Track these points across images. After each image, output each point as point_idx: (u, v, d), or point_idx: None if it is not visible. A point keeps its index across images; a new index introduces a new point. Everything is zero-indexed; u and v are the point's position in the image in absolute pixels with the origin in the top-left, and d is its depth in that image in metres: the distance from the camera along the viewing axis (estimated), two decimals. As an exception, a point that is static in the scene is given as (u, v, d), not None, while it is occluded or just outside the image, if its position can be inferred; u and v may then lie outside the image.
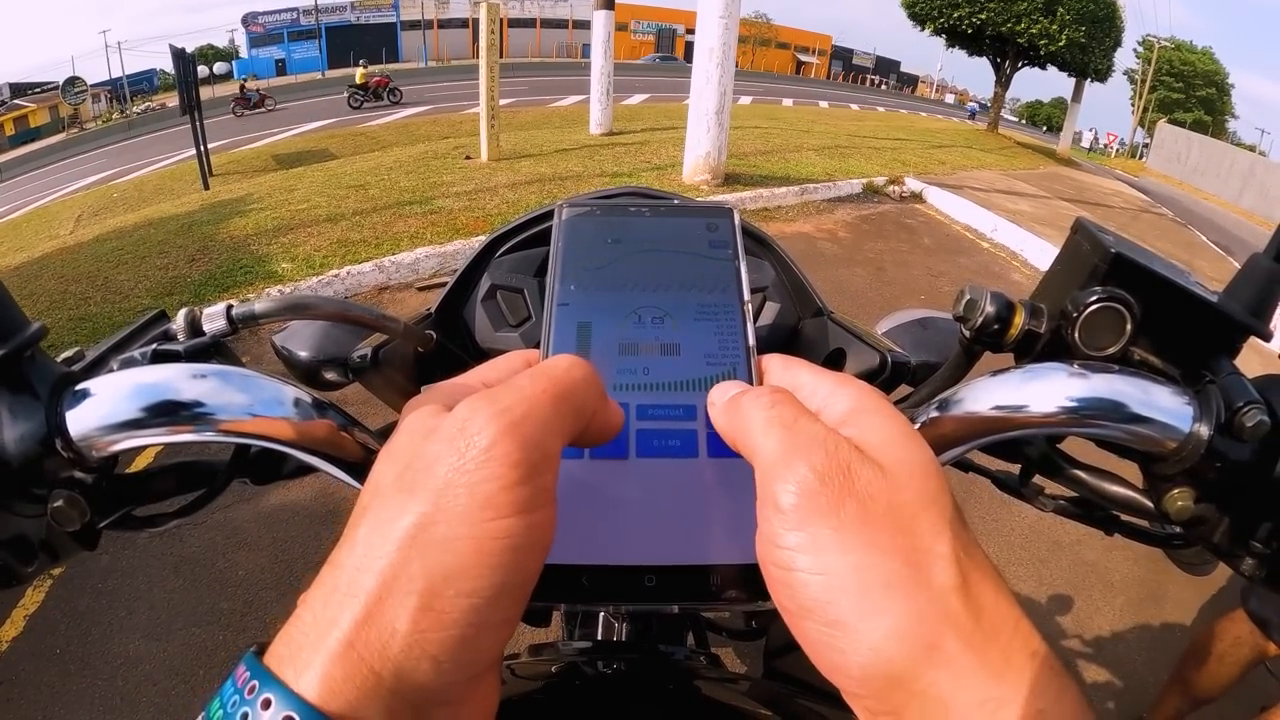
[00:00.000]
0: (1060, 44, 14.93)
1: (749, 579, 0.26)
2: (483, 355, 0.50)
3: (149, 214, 6.57)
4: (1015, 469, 0.43)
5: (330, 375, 0.50)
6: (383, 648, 0.20)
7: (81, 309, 3.72)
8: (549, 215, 0.45)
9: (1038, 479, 0.42)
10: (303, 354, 0.50)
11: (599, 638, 0.49)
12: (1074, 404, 0.32)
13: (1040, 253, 5.84)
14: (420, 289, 4.03)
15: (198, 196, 7.24)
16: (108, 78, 39.70)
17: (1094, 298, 0.33)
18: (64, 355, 0.36)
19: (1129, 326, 0.33)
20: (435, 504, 0.21)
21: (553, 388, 0.24)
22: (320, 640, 0.20)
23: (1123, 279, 0.33)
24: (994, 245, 6.20)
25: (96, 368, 0.35)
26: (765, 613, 0.25)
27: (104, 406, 0.31)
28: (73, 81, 33.16)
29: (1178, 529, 0.34)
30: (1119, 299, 0.33)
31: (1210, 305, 0.33)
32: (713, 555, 0.27)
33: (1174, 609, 2.27)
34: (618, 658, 0.42)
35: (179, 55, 8.00)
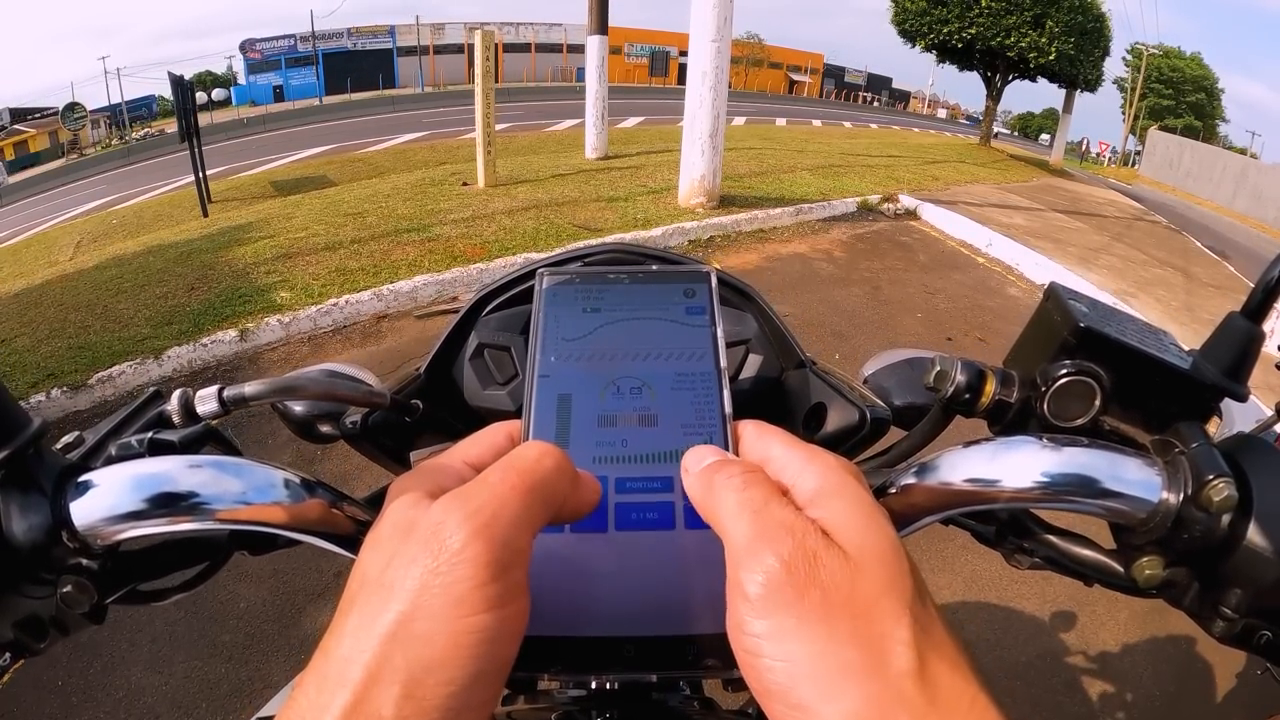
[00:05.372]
0: (1050, 56, 14.99)
1: (725, 649, 0.26)
2: (472, 412, 0.51)
3: (148, 241, 6.58)
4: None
5: (324, 429, 0.51)
6: None
7: (81, 337, 3.72)
8: (533, 274, 0.47)
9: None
10: (297, 409, 0.51)
11: (593, 685, 0.49)
12: (1044, 479, 0.32)
13: (1036, 267, 5.84)
14: (418, 317, 4.03)
15: (197, 223, 7.26)
16: (107, 103, 40.07)
17: (1062, 371, 0.34)
18: (63, 441, 0.37)
19: (1098, 400, 0.34)
20: (413, 603, 0.23)
21: (523, 482, 0.25)
22: None
23: (1092, 351, 0.34)
24: (989, 260, 6.21)
25: (96, 454, 0.37)
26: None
27: (105, 499, 0.33)
28: (72, 107, 33.45)
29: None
30: (1088, 372, 0.34)
31: (1181, 372, 0.34)
32: (689, 626, 0.28)
33: (1179, 621, 2.24)
34: (612, 705, 0.42)
35: (177, 82, 8.04)
